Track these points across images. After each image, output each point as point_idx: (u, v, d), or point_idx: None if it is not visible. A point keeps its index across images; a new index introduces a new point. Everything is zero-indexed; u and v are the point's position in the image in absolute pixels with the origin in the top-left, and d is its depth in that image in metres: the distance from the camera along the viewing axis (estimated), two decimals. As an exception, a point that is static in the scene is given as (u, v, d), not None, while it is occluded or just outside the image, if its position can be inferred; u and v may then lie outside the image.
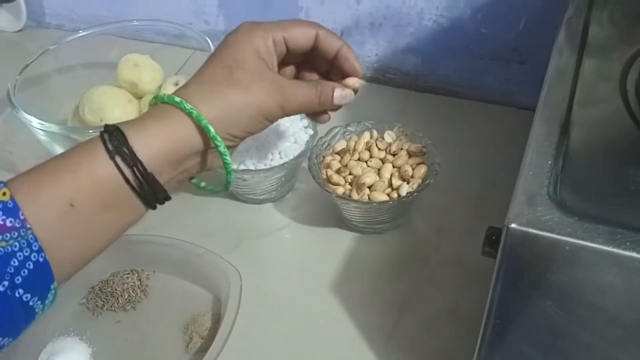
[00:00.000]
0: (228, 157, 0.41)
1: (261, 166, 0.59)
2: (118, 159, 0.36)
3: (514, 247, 0.35)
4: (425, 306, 0.54)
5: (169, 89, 0.67)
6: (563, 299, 0.35)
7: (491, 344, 0.39)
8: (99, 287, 0.56)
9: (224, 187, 0.45)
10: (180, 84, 0.66)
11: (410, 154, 0.58)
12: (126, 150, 0.37)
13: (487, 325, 0.38)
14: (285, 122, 0.62)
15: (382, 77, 0.79)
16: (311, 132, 0.62)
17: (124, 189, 0.37)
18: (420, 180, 0.55)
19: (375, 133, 0.61)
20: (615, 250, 0.32)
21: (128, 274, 0.57)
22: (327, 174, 0.57)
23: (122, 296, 0.55)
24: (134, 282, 0.56)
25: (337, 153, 0.60)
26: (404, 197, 0.54)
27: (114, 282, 0.56)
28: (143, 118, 0.40)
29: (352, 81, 0.46)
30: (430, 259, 0.58)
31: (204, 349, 0.51)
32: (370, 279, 0.56)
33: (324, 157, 0.59)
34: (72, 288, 0.56)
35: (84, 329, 0.54)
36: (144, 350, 0.52)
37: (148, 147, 0.37)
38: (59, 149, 0.64)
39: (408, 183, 0.55)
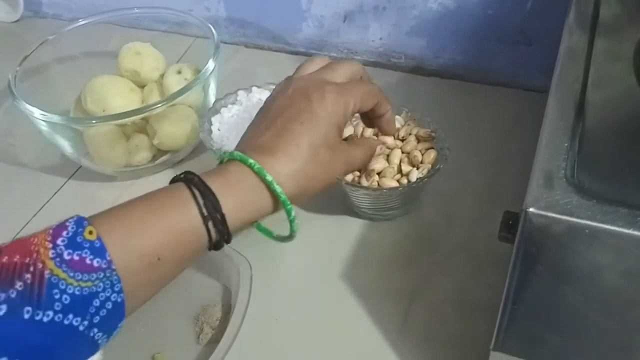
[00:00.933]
0: (295, 224, 0.44)
1: (268, 154, 0.58)
2: (210, 224, 0.38)
3: (532, 232, 0.34)
4: (437, 293, 0.53)
5: (171, 77, 0.66)
6: (582, 283, 0.35)
7: (508, 330, 0.38)
8: (107, 279, 0.55)
9: (290, 237, 0.47)
10: (184, 72, 0.66)
11: (419, 139, 0.57)
12: (219, 217, 0.38)
13: (505, 310, 0.37)
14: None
15: (387, 61, 0.78)
16: (318, 118, 0.61)
17: (205, 245, 0.39)
18: (430, 166, 0.55)
19: (382, 118, 0.60)
20: (635, 232, 0.32)
21: (136, 265, 0.56)
22: (335, 161, 0.57)
23: (130, 288, 0.54)
24: (142, 274, 0.55)
25: (344, 139, 0.59)
26: (414, 182, 0.54)
27: (121, 274, 0.55)
28: (233, 182, 0.40)
29: (389, 140, 0.55)
30: (441, 246, 0.57)
31: (215, 340, 0.50)
32: (380, 266, 0.56)
33: (331, 143, 0.58)
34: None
35: (93, 321, 0.53)
36: (154, 341, 0.51)
37: (236, 216, 0.39)
38: (61, 140, 0.63)
39: (418, 169, 0.54)
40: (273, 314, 0.53)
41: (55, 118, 0.59)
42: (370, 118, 0.50)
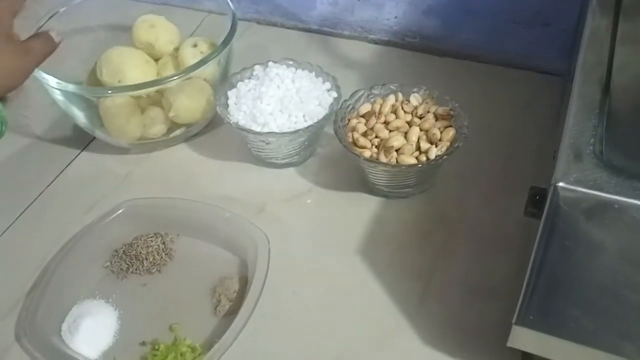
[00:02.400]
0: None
1: (285, 129, 0.58)
2: None
3: (560, 206, 0.34)
4: (453, 272, 0.53)
5: (187, 50, 0.65)
6: (610, 258, 0.35)
7: (532, 304, 0.38)
8: (123, 251, 0.56)
9: None
10: (199, 45, 0.66)
11: (437, 117, 0.57)
12: None
13: (529, 285, 0.38)
14: (308, 85, 0.61)
15: (401, 40, 0.78)
16: (335, 94, 0.61)
17: None
18: (448, 144, 0.55)
19: (400, 96, 0.60)
20: (664, 209, 0.32)
21: (152, 237, 0.56)
22: (353, 137, 0.57)
23: (146, 259, 0.55)
24: (159, 246, 0.56)
25: (362, 116, 0.59)
26: (433, 160, 0.54)
27: (138, 246, 0.55)
28: None
29: None
30: (455, 225, 0.57)
31: (232, 312, 0.50)
32: (396, 243, 0.56)
33: (349, 120, 0.58)
34: (95, 252, 0.56)
35: (109, 292, 0.53)
36: (172, 312, 0.51)
37: None
38: (75, 111, 0.63)
39: (436, 146, 0.55)
40: (290, 287, 0.53)
41: (71, 87, 0.59)
42: None
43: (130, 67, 0.63)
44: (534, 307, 0.39)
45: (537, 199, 0.38)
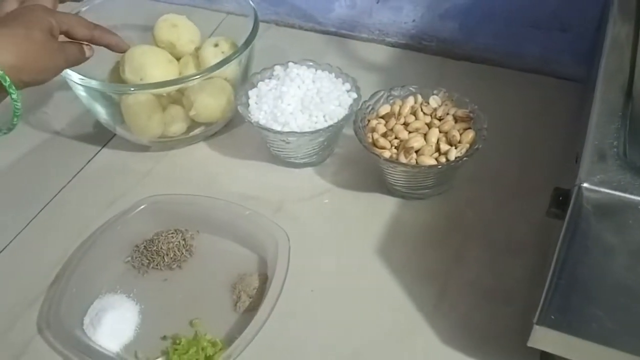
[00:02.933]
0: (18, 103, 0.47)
1: (306, 129, 0.58)
2: None
3: (584, 207, 0.35)
4: (469, 273, 0.54)
5: (208, 50, 0.66)
6: (633, 259, 0.35)
7: (553, 304, 0.39)
8: (144, 246, 0.56)
9: (9, 129, 0.49)
10: (221, 45, 0.66)
11: (456, 119, 0.58)
12: None
13: (551, 285, 0.38)
14: (328, 85, 0.62)
15: (418, 44, 0.78)
16: (355, 95, 0.61)
17: None
18: (468, 145, 0.55)
19: (419, 97, 0.60)
20: (688, 211, 0.32)
21: (172, 233, 0.57)
22: (372, 138, 0.57)
23: (167, 255, 0.55)
24: (179, 242, 0.56)
25: (382, 117, 0.59)
26: (453, 161, 0.54)
27: (158, 241, 0.56)
28: None
29: None
30: (472, 226, 0.58)
31: (252, 308, 0.51)
32: (413, 244, 0.56)
33: (368, 121, 0.59)
34: (116, 247, 0.56)
35: (130, 286, 0.54)
36: (192, 308, 0.52)
37: None
38: (97, 107, 0.64)
39: (456, 148, 0.55)
40: (309, 285, 0.53)
41: (94, 83, 0.60)
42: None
43: (152, 65, 0.63)
44: (555, 307, 0.39)
45: (561, 200, 0.39)
